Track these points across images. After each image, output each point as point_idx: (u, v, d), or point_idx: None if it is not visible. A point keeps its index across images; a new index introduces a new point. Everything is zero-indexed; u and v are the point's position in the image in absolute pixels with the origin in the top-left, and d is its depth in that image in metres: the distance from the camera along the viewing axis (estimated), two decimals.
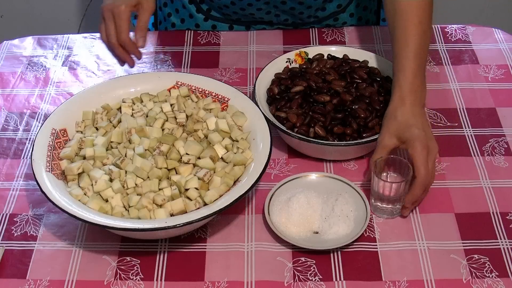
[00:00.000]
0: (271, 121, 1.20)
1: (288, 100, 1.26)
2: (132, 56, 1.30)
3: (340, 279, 1.06)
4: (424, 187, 1.11)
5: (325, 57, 1.37)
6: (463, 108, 1.35)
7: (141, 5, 1.26)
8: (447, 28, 1.55)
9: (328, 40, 1.51)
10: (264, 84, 1.30)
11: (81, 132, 1.20)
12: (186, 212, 1.07)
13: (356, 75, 1.30)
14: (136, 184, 1.10)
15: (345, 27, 1.54)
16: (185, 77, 1.28)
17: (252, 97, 1.26)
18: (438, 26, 1.55)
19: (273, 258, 1.09)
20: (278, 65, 1.35)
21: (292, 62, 1.36)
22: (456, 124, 1.32)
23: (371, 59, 1.35)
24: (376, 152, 1.15)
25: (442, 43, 1.51)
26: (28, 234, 1.14)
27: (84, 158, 1.14)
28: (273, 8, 1.48)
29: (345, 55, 1.37)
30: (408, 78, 1.16)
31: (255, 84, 1.28)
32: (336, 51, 1.38)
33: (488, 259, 1.08)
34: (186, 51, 1.50)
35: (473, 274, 1.07)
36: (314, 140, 1.19)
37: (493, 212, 1.15)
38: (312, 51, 1.37)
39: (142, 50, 1.50)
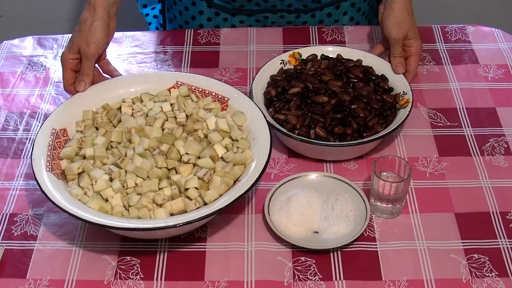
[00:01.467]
0: (271, 123, 1.19)
1: (286, 102, 1.26)
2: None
3: (340, 279, 1.06)
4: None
5: (319, 57, 1.37)
6: (463, 108, 1.35)
7: (82, 52, 1.24)
8: (447, 28, 1.55)
9: (328, 40, 1.51)
10: (260, 86, 1.30)
11: (81, 131, 1.20)
12: (186, 212, 1.07)
13: (352, 75, 1.30)
14: (136, 184, 1.10)
15: (345, 26, 1.54)
16: (185, 77, 1.28)
17: None
18: (438, 26, 1.55)
19: (273, 258, 1.09)
20: (272, 67, 1.34)
21: (286, 64, 1.36)
22: (456, 123, 1.32)
23: (365, 58, 1.36)
24: (392, 47, 1.34)
25: (442, 43, 1.51)
26: (28, 234, 1.14)
27: (84, 157, 1.15)
28: None
29: (338, 55, 1.37)
30: None
31: (251, 87, 1.28)
32: (330, 50, 1.38)
33: (488, 258, 1.09)
34: (186, 51, 1.50)
35: (473, 273, 1.07)
36: (316, 141, 1.19)
37: (493, 212, 1.16)
38: (306, 51, 1.37)
39: (141, 49, 1.51)
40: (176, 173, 1.12)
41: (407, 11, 1.34)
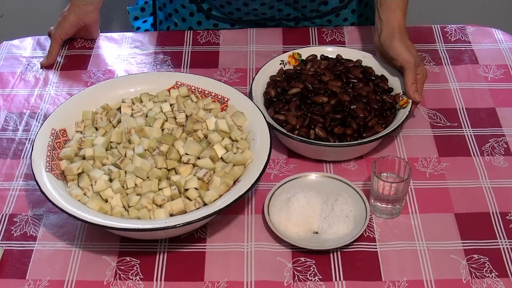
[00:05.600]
0: (270, 124, 1.19)
1: (286, 103, 1.26)
2: None
3: (339, 279, 1.06)
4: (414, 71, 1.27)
5: (319, 57, 1.37)
6: (462, 108, 1.35)
7: (51, 34, 1.50)
8: (447, 28, 1.55)
9: (327, 40, 1.51)
10: (260, 87, 1.30)
11: (81, 132, 1.20)
12: (186, 212, 1.07)
13: (352, 75, 1.30)
14: (135, 184, 1.10)
15: (344, 26, 1.54)
16: (184, 77, 1.28)
17: None
18: (438, 26, 1.55)
19: (273, 258, 1.09)
20: (272, 67, 1.34)
21: (285, 64, 1.36)
22: (456, 124, 1.32)
23: (365, 58, 1.35)
24: (410, 72, 1.27)
25: (441, 43, 1.51)
26: (28, 234, 1.14)
27: (84, 158, 1.14)
28: (276, 2, 1.48)
29: (338, 55, 1.36)
30: (401, 19, 1.33)
31: (251, 88, 1.28)
32: (329, 51, 1.38)
33: (487, 259, 1.08)
34: (185, 51, 1.50)
35: (473, 274, 1.07)
36: (316, 142, 1.19)
37: (492, 212, 1.15)
38: (305, 52, 1.37)
39: (141, 50, 1.51)
40: (176, 173, 1.12)
41: (409, 40, 1.31)
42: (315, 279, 1.06)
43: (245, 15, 1.52)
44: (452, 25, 1.56)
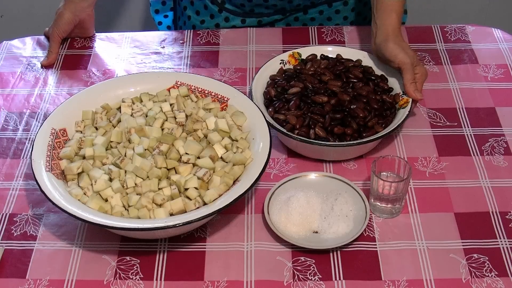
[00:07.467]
0: (270, 123, 1.19)
1: (286, 102, 1.26)
2: None
3: (339, 279, 1.06)
4: (412, 70, 1.26)
5: (319, 57, 1.37)
6: (462, 108, 1.35)
7: (49, 34, 1.51)
8: (447, 27, 1.55)
9: (327, 40, 1.51)
10: (260, 86, 1.30)
11: (81, 132, 1.20)
12: (186, 212, 1.07)
13: (352, 75, 1.31)
14: (135, 184, 1.10)
15: (344, 26, 1.55)
16: (184, 76, 1.28)
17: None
18: (438, 25, 1.56)
19: (273, 258, 1.09)
20: (272, 67, 1.34)
21: (285, 64, 1.36)
22: (456, 123, 1.32)
23: (365, 58, 1.36)
24: (408, 73, 1.26)
25: (441, 43, 1.51)
26: (28, 234, 1.14)
27: (84, 157, 1.15)
28: None
29: (338, 55, 1.37)
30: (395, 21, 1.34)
31: (251, 87, 1.28)
32: (329, 50, 1.38)
33: (487, 258, 1.09)
34: (185, 51, 1.50)
35: (473, 273, 1.07)
36: (316, 141, 1.19)
37: (492, 212, 1.16)
38: (305, 51, 1.37)
39: (141, 50, 1.51)
40: (176, 173, 1.12)
41: (404, 42, 1.32)
42: (315, 279, 1.06)
43: (256, 7, 1.52)
44: (452, 25, 1.56)
